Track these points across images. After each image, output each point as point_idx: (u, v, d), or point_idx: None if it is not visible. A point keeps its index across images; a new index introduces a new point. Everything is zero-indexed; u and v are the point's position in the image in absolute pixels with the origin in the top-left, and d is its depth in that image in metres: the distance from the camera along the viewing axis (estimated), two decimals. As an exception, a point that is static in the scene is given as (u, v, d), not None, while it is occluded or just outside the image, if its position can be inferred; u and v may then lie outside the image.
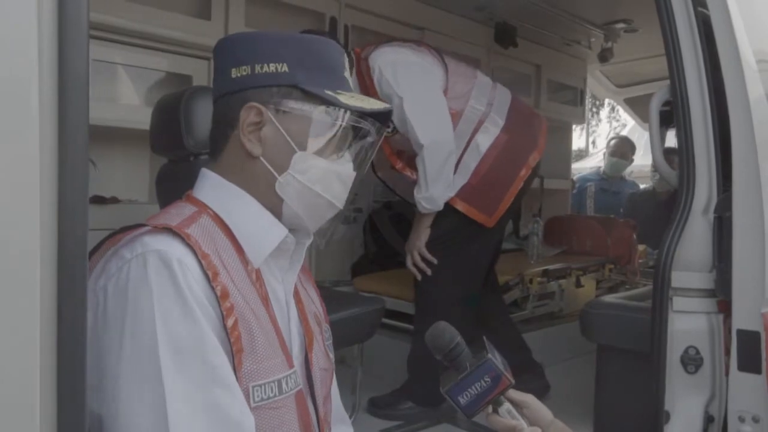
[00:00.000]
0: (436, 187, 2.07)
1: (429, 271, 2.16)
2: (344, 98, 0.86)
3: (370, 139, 0.93)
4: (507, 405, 0.98)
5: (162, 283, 0.73)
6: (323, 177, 0.88)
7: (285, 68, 0.86)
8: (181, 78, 2.36)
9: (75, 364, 0.50)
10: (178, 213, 0.84)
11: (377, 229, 3.09)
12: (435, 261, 2.15)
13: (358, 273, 2.91)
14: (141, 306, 0.72)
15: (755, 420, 1.36)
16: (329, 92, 0.86)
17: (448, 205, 2.15)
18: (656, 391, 1.49)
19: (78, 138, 0.50)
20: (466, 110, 2.16)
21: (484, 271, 2.29)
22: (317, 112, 0.86)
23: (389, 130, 2.16)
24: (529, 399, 1.01)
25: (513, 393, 0.99)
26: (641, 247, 3.45)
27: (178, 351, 0.72)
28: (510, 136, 2.20)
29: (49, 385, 0.49)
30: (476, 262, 2.24)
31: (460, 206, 2.15)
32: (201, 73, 2.36)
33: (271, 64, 0.86)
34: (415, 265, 2.19)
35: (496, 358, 0.97)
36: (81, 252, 0.51)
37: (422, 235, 2.18)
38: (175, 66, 2.34)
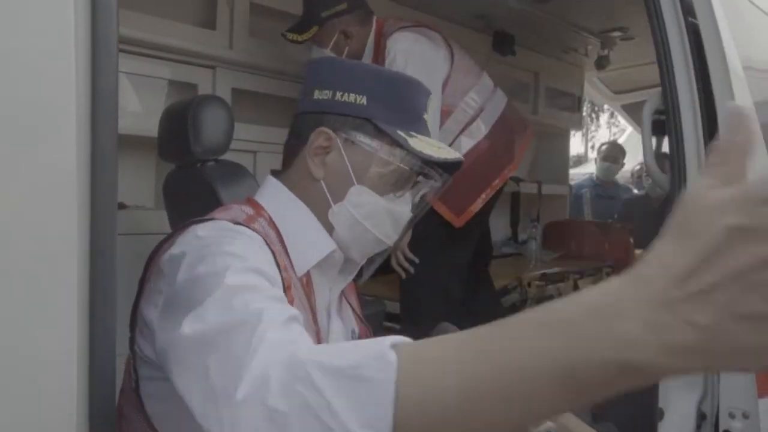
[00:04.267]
0: None
1: (412, 270, 2.21)
2: (414, 142, 0.88)
3: (434, 184, 0.96)
4: None
5: (233, 235, 0.76)
6: (375, 213, 0.90)
7: (363, 101, 0.89)
8: (186, 87, 2.41)
9: (106, 350, 0.55)
10: (239, 213, 0.87)
11: (378, 233, 3.13)
12: (417, 260, 2.20)
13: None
14: (213, 250, 0.73)
15: (745, 416, 1.40)
16: (401, 133, 0.88)
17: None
18: (650, 390, 1.54)
19: (108, 146, 0.55)
20: (457, 110, 2.21)
21: (463, 271, 2.33)
22: (382, 150, 0.88)
23: None
24: None
25: None
26: (638, 252, 3.49)
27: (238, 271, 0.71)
28: (491, 144, 2.25)
29: (84, 372, 0.54)
30: (455, 261, 2.29)
31: (434, 203, 2.16)
32: (206, 81, 2.41)
33: (351, 94, 0.89)
34: (399, 264, 2.23)
35: None
36: (110, 250, 0.56)
37: (404, 235, 2.23)
38: (181, 75, 2.39)
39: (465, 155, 2.20)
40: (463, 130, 2.22)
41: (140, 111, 2.40)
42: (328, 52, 2.20)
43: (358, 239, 0.92)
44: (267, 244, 0.80)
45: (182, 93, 2.37)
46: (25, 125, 0.52)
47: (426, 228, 2.21)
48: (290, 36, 2.21)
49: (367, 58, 2.23)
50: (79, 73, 0.52)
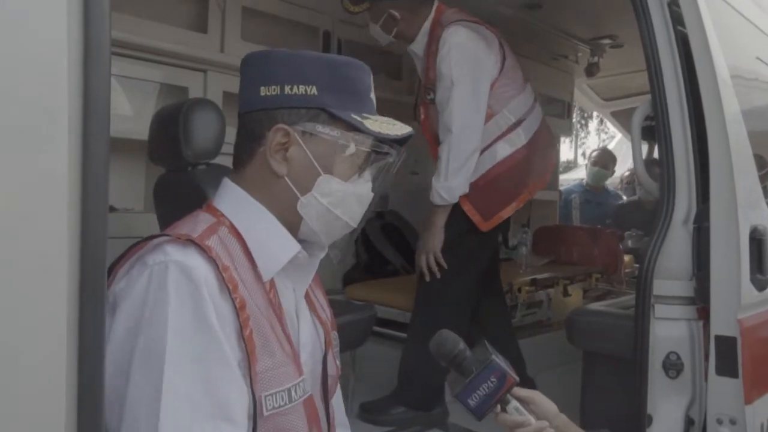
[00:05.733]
0: (457, 178, 2.10)
1: (438, 275, 2.18)
2: (370, 123, 0.89)
3: (390, 159, 0.96)
4: (514, 403, 1.02)
5: (181, 295, 0.76)
6: (344, 200, 0.91)
7: (314, 91, 0.88)
8: (177, 90, 2.40)
9: (95, 353, 0.55)
10: (197, 223, 0.86)
11: (369, 238, 3.14)
12: (446, 266, 2.17)
13: (350, 282, 2.95)
14: (157, 314, 0.75)
15: (732, 422, 1.42)
16: (356, 117, 0.88)
17: (455, 209, 2.18)
18: (639, 396, 1.54)
19: (100, 149, 0.55)
20: (498, 115, 2.21)
21: (481, 276, 2.33)
22: (343, 137, 0.89)
23: (430, 96, 2.23)
24: (534, 395, 1.05)
25: (519, 390, 1.03)
26: (627, 257, 3.52)
27: (182, 360, 0.74)
28: (527, 155, 2.24)
29: (72, 375, 0.53)
30: (476, 268, 2.28)
31: (464, 204, 2.18)
32: (197, 85, 2.41)
33: (300, 86, 0.88)
34: (428, 267, 2.19)
35: (499, 359, 1.01)
36: (101, 253, 0.56)
37: (438, 235, 2.18)
38: (172, 78, 2.38)
39: (501, 162, 2.20)
40: (501, 136, 2.21)
41: (131, 114, 2.39)
42: (377, 29, 2.25)
43: (328, 227, 0.92)
44: (218, 266, 0.79)
45: (173, 96, 2.37)
46: (16, 128, 0.51)
47: (456, 235, 2.19)
48: (345, 4, 2.25)
49: (420, 43, 2.26)
50: (71, 76, 0.52)
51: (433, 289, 2.22)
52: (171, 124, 1.53)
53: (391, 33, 2.25)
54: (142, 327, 0.75)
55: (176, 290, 0.76)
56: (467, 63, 2.12)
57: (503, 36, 2.36)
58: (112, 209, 2.21)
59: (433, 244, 2.18)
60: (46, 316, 0.53)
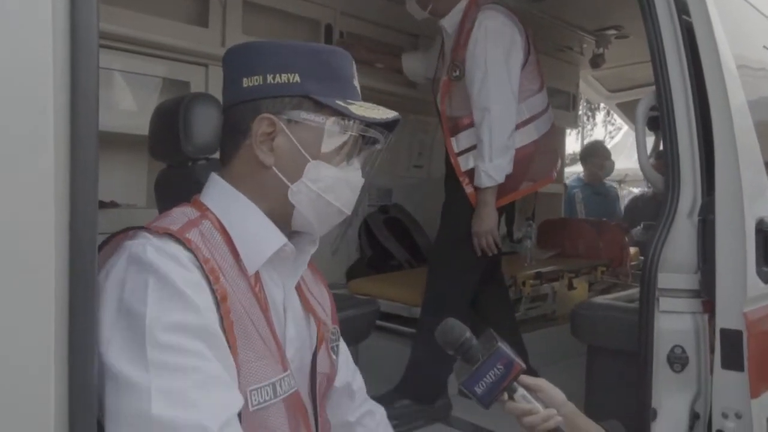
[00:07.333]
0: (502, 156, 2.12)
1: (496, 251, 2.21)
2: (355, 108, 0.88)
3: (378, 146, 0.96)
4: (521, 390, 1.01)
5: (159, 272, 0.75)
6: (334, 185, 0.90)
7: (297, 78, 0.88)
8: (179, 84, 2.39)
9: (86, 351, 0.54)
10: (180, 217, 0.86)
11: (372, 232, 3.12)
12: (501, 246, 2.20)
13: (354, 276, 2.94)
14: (137, 293, 0.74)
15: (738, 416, 1.40)
16: (340, 102, 0.88)
17: (460, 207, 2.21)
18: (643, 390, 1.53)
19: (88, 145, 0.54)
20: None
21: (484, 265, 2.35)
22: (329, 123, 0.88)
23: (456, 74, 2.24)
24: (542, 383, 1.04)
25: (526, 378, 1.02)
26: (633, 250, 3.50)
27: (165, 330, 0.73)
28: (536, 151, 2.27)
29: (62, 375, 0.53)
30: (484, 259, 2.29)
31: (467, 187, 2.20)
32: (199, 79, 2.40)
33: (283, 75, 0.88)
34: (487, 246, 2.20)
35: (505, 346, 1.01)
36: (90, 249, 0.55)
37: (492, 215, 2.18)
38: (173, 72, 2.37)
39: None
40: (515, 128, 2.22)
41: (133, 109, 2.39)
42: (413, 4, 2.30)
43: (321, 214, 0.92)
44: (197, 258, 0.79)
45: (175, 91, 2.36)
46: (2, 123, 0.50)
47: (465, 228, 2.21)
48: None
49: (451, 20, 2.28)
50: (56, 68, 0.51)
51: (443, 282, 2.23)
52: (170, 118, 1.52)
53: (426, 9, 2.30)
54: (122, 307, 0.74)
55: (155, 269, 0.75)
56: (502, 46, 2.15)
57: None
58: (115, 205, 2.21)
59: (488, 224, 2.18)
60: (36, 312, 0.53)
